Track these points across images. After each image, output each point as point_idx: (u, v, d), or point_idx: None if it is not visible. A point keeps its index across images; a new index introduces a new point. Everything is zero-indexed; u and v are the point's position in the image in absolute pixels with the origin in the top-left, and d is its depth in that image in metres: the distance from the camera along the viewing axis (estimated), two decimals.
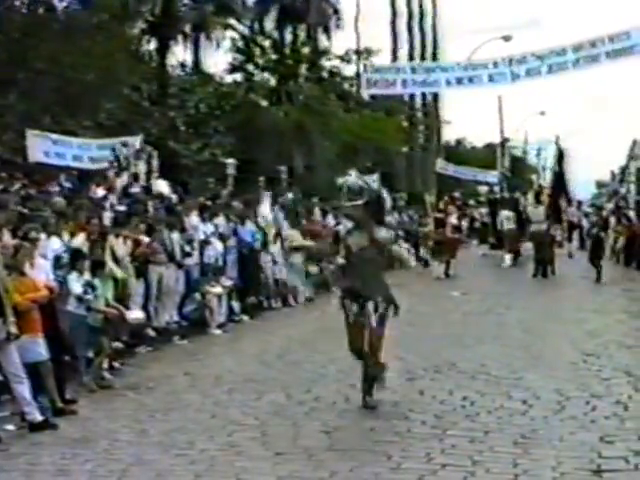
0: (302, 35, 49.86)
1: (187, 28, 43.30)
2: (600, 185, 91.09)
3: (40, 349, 10.78)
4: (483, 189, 51.26)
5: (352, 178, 11.60)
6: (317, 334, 17.34)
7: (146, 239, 17.26)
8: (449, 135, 71.43)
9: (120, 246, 15.97)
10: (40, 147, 21.53)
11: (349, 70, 51.96)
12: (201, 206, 21.75)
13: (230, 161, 33.56)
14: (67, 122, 26.86)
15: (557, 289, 25.61)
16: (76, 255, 13.63)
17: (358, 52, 52.24)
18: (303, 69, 48.15)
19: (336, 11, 51.37)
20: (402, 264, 13.76)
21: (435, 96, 57.41)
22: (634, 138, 71.45)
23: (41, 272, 12.65)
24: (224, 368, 14.05)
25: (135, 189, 22.57)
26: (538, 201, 31.93)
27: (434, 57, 55.51)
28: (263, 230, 22.20)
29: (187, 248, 18.51)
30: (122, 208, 19.00)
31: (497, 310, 20.45)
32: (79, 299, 12.97)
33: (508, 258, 32.83)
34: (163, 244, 17.73)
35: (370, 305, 10.87)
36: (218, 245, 19.74)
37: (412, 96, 54.94)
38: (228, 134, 38.52)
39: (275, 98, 45.58)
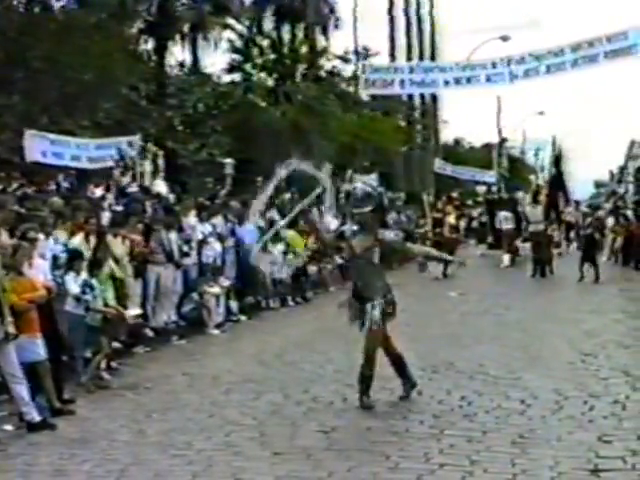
0: (300, 35, 49.84)
1: (185, 28, 43.27)
2: (598, 185, 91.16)
3: (38, 349, 10.77)
4: (481, 189, 51.29)
5: (360, 185, 11.74)
6: (315, 334, 17.36)
7: (140, 238, 17.22)
8: (447, 135, 71.53)
9: (118, 246, 15.96)
10: (38, 147, 21.52)
11: (348, 70, 52.02)
12: (199, 206, 21.74)
13: (228, 161, 33.61)
14: (65, 122, 26.84)
15: (555, 289, 25.61)
16: (73, 255, 13.62)
17: (357, 52, 52.28)
18: (301, 69, 48.14)
19: (334, 11, 51.36)
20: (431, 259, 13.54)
21: (433, 96, 57.44)
22: (632, 138, 71.63)
23: (39, 272, 12.63)
24: (222, 368, 14.04)
25: (132, 189, 22.58)
26: (536, 201, 31.96)
27: (432, 57, 55.52)
28: (262, 230, 22.19)
29: (185, 248, 18.51)
30: (119, 208, 19.00)
31: (495, 310, 20.45)
32: (77, 299, 12.96)
33: (506, 258, 32.85)
34: (161, 244, 17.73)
35: (369, 306, 10.90)
36: (216, 245, 19.74)
37: (411, 96, 54.95)
38: (226, 134, 38.50)
39: (273, 98, 45.56)
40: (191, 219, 20.02)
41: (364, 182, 11.96)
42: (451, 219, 31.19)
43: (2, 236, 13.53)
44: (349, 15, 53.33)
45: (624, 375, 12.48)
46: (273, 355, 15.04)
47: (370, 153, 47.90)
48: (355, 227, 11.18)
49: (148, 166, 25.05)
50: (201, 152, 36.61)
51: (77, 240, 15.07)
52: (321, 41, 50.98)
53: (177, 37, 43.16)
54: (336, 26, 51.21)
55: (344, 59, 51.45)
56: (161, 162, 24.91)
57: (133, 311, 15.07)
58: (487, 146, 70.40)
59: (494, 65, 20.91)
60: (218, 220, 20.98)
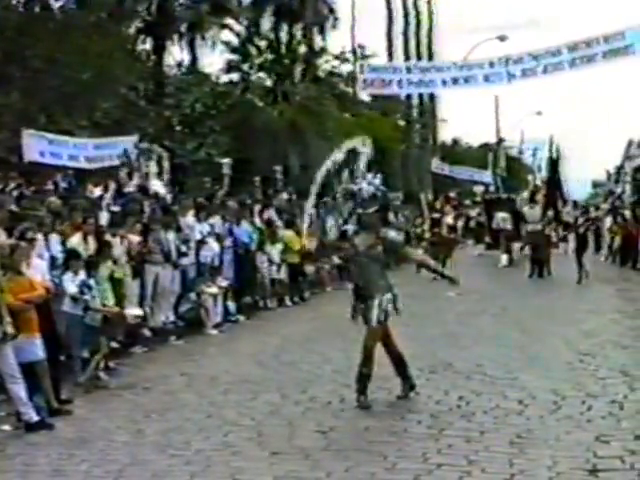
0: (298, 35, 49.80)
1: (183, 28, 43.25)
2: (596, 185, 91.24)
3: (36, 349, 10.76)
4: (479, 189, 51.29)
5: (366, 186, 11.85)
6: (313, 334, 17.36)
7: (137, 238, 17.21)
8: (445, 135, 71.47)
9: (117, 246, 15.96)
10: (36, 147, 21.49)
11: (346, 70, 51.94)
12: (197, 206, 21.74)
13: (226, 161, 33.54)
14: (63, 121, 26.83)
15: (553, 289, 25.61)
16: (70, 255, 13.62)
17: (354, 51, 52.23)
18: (299, 69, 48.11)
19: (333, 11, 51.31)
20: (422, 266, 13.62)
21: (431, 95, 57.37)
22: (629, 138, 71.63)
23: (37, 272, 12.62)
24: (220, 368, 14.04)
25: (130, 188, 22.55)
26: (533, 201, 31.99)
27: (430, 57, 55.47)
28: (259, 230, 22.22)
29: (183, 248, 18.50)
30: (116, 208, 18.99)
31: (493, 310, 20.46)
32: (74, 299, 12.96)
33: (504, 258, 32.87)
34: (159, 244, 17.72)
35: (371, 302, 10.93)
36: (214, 245, 19.73)
37: (409, 95, 54.90)
38: (224, 134, 38.47)
39: (271, 98, 45.54)
40: (189, 219, 20.01)
41: (369, 182, 12.08)
42: (449, 219, 31.22)
43: (0, 236, 13.52)
44: (347, 15, 53.30)
45: (622, 375, 12.49)
46: (271, 355, 15.04)
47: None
48: (357, 226, 11.27)
49: (153, 167, 25.02)
50: (199, 152, 36.59)
51: (75, 240, 15.07)
52: (319, 41, 50.94)
53: (175, 37, 43.13)
54: (334, 26, 51.17)
55: (341, 59, 51.38)
56: (166, 163, 24.91)
57: (134, 311, 15.09)
58: (485, 146, 70.46)
59: (492, 65, 20.90)
60: (216, 220, 20.98)
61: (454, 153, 68.44)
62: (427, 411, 10.67)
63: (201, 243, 19.38)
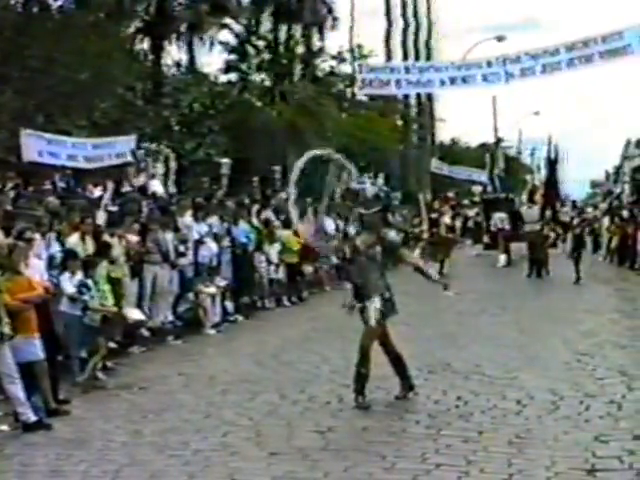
0: (297, 35, 49.79)
1: (182, 27, 43.23)
2: (594, 185, 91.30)
3: (35, 349, 10.75)
4: (477, 189, 51.29)
5: (368, 187, 11.85)
6: (311, 334, 17.36)
7: (135, 238, 17.21)
8: (444, 135, 71.43)
9: (115, 246, 15.95)
10: (34, 146, 21.46)
11: (344, 70, 51.96)
12: (195, 206, 21.73)
13: (224, 161, 33.53)
14: (61, 121, 26.82)
15: (551, 289, 25.61)
16: (67, 255, 13.61)
17: (352, 51, 52.24)
18: (298, 69, 48.11)
19: (331, 11, 51.30)
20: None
21: (429, 95, 57.35)
22: (628, 138, 71.67)
23: (35, 272, 12.61)
24: (218, 368, 14.04)
25: (128, 188, 22.56)
26: (532, 201, 32.01)
27: (428, 57, 55.46)
28: (257, 230, 22.22)
29: (181, 248, 18.49)
30: (114, 208, 18.98)
31: (491, 310, 20.46)
32: (72, 299, 12.95)
33: (502, 258, 32.87)
34: (157, 244, 17.72)
35: (369, 302, 10.93)
36: (212, 245, 19.72)
37: (407, 95, 54.85)
38: (222, 134, 38.49)
39: (269, 98, 45.54)
40: (187, 219, 20.00)
41: (372, 183, 12.13)
42: (447, 219, 31.19)
43: None
44: (345, 14, 53.29)
45: (620, 375, 12.49)
46: (269, 355, 15.04)
47: (366, 153, 47.87)
48: (358, 226, 11.28)
49: (160, 168, 25.13)
50: (197, 152, 36.59)
51: (73, 240, 15.06)
52: (317, 41, 50.93)
53: (174, 37, 43.11)
54: (333, 26, 51.16)
55: (339, 59, 51.38)
56: (173, 164, 25.05)
57: (135, 315, 15.12)
58: (483, 146, 70.46)
59: (490, 65, 20.86)
60: (214, 220, 20.97)
61: (452, 153, 68.40)
62: (425, 411, 10.67)
63: (199, 243, 19.37)
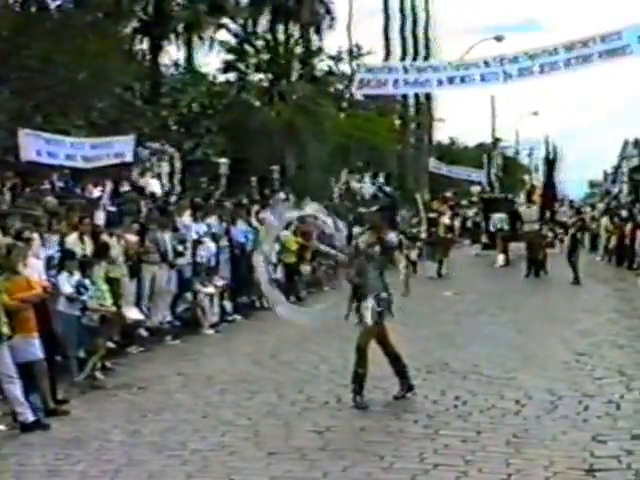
0: (295, 35, 49.76)
1: (180, 27, 43.20)
2: (593, 185, 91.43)
3: (34, 349, 10.74)
4: (476, 189, 51.34)
5: (367, 185, 11.87)
6: (309, 334, 17.32)
7: (134, 238, 17.20)
8: (442, 134, 71.45)
9: (114, 246, 15.96)
10: (33, 146, 21.42)
11: (343, 70, 51.94)
12: (194, 206, 21.72)
13: (223, 160, 33.56)
14: (59, 121, 26.80)
15: (549, 289, 25.63)
16: (65, 255, 13.60)
17: (351, 51, 52.24)
18: (296, 69, 48.08)
19: (330, 11, 51.30)
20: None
21: (428, 95, 57.30)
22: (625, 138, 71.76)
23: (34, 272, 12.61)
24: (216, 368, 14.04)
25: (125, 188, 22.58)
26: (530, 201, 32.02)
27: (427, 57, 55.41)
28: (256, 230, 22.19)
29: (179, 248, 18.49)
30: (112, 209, 18.98)
31: (489, 310, 20.47)
32: (70, 299, 12.94)
33: (501, 258, 32.89)
34: (156, 244, 17.72)
35: (366, 302, 10.92)
36: (210, 245, 19.72)
37: (405, 95, 54.80)
38: (220, 133, 38.48)
39: (268, 98, 45.53)
40: (186, 219, 20.00)
41: (373, 183, 12.15)
42: (446, 219, 31.20)
43: None
44: (343, 14, 53.30)
45: (618, 375, 12.50)
46: (267, 355, 15.04)
47: (364, 153, 47.91)
48: (361, 228, 11.31)
49: (166, 167, 25.14)
50: (195, 151, 36.58)
51: (72, 240, 15.06)
52: (315, 41, 50.90)
53: (172, 36, 43.08)
54: (331, 26, 51.17)
55: (337, 59, 51.36)
56: (178, 164, 25.11)
57: (134, 315, 15.11)
58: (481, 146, 70.49)
59: (487, 64, 20.84)
60: (212, 220, 20.97)
61: (450, 153, 68.42)
62: (424, 411, 10.67)
63: (198, 243, 19.36)
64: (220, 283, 19.12)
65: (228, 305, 19.66)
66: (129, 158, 22.10)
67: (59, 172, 22.79)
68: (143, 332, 16.90)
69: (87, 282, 13.17)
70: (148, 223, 18.27)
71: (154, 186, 24.80)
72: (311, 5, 49.34)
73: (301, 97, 44.84)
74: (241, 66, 45.88)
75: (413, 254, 32.67)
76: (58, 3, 31.37)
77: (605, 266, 32.87)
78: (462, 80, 20.91)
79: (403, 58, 54.76)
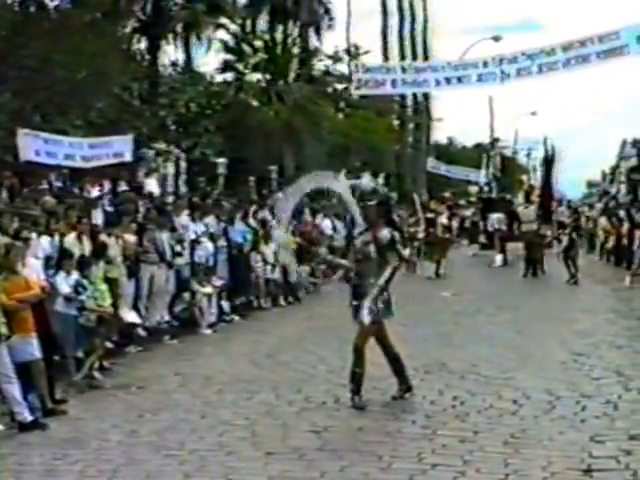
0: (294, 34, 49.74)
1: (178, 27, 43.18)
2: (591, 185, 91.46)
3: (32, 349, 10.74)
4: (473, 189, 51.33)
5: (365, 180, 11.79)
6: (307, 334, 17.36)
7: (132, 238, 17.21)
8: (440, 134, 71.42)
9: (112, 246, 15.96)
10: (31, 146, 21.43)
11: (341, 70, 51.92)
12: (191, 206, 21.73)
13: (221, 160, 33.54)
14: (57, 120, 26.79)
15: (547, 289, 25.64)
16: (63, 255, 13.60)
17: (349, 51, 52.23)
18: (294, 69, 48.08)
19: (328, 11, 51.28)
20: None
21: (426, 95, 57.31)
22: (624, 138, 71.78)
23: (32, 271, 12.61)
24: (214, 368, 14.03)
25: (123, 188, 22.57)
26: (528, 201, 32.02)
27: (425, 58, 55.41)
28: (254, 230, 22.21)
29: (177, 248, 18.50)
30: (110, 209, 18.99)
31: (487, 310, 20.46)
32: (67, 299, 12.94)
33: (499, 258, 32.90)
34: (154, 244, 17.72)
35: (364, 301, 10.93)
36: (208, 245, 19.73)
37: (403, 95, 54.81)
38: (218, 133, 38.46)
39: (266, 98, 45.52)
40: (183, 219, 20.01)
41: (369, 178, 12.06)
42: (443, 219, 31.20)
43: None
44: (342, 14, 53.30)
45: (616, 375, 12.51)
46: (265, 355, 15.04)
47: (362, 153, 47.91)
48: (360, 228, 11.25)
49: (171, 168, 25.15)
50: (194, 151, 36.57)
51: (70, 240, 15.05)
52: (314, 41, 50.90)
53: (170, 36, 43.06)
54: (329, 26, 51.15)
55: (335, 58, 51.35)
56: (183, 164, 25.13)
57: (131, 317, 15.12)
58: (479, 146, 70.51)
59: (485, 65, 20.85)
60: (210, 220, 20.98)
61: (449, 153, 68.43)
62: (421, 411, 10.68)
63: (196, 243, 19.38)
64: (218, 283, 19.13)
65: (226, 305, 19.66)
66: (128, 158, 22.10)
67: (57, 172, 22.78)
68: (141, 332, 16.90)
69: (85, 282, 13.17)
70: (146, 223, 18.28)
71: (152, 186, 24.79)
72: (310, 5, 49.31)
73: (299, 97, 44.82)
74: (239, 66, 45.88)
75: (406, 252, 32.58)
76: (57, 3, 31.35)
77: (603, 266, 32.87)
78: (460, 80, 20.93)
79: (401, 58, 54.75)
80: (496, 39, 52.80)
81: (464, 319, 19.10)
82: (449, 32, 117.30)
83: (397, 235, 11.30)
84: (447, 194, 44.22)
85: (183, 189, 27.93)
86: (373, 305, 10.95)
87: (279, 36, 48.67)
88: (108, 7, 32.15)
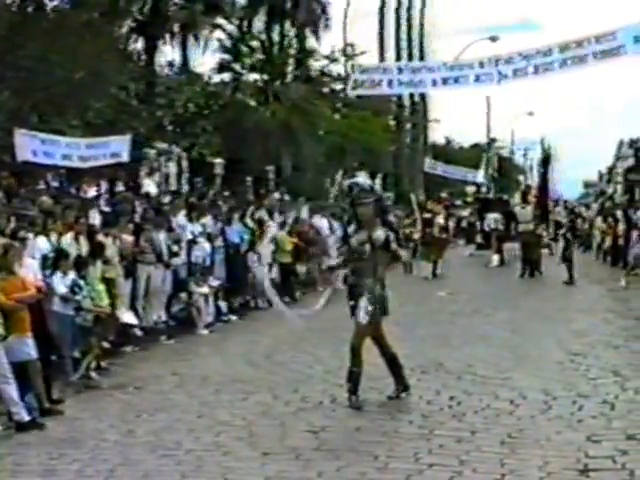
0: (290, 35, 49.73)
1: (175, 27, 43.17)
2: (587, 185, 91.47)
3: (28, 349, 10.74)
4: (471, 189, 51.37)
5: (362, 178, 11.74)
6: (304, 334, 17.32)
7: (130, 238, 17.22)
8: (437, 135, 71.41)
9: (109, 246, 15.96)
10: (28, 146, 21.42)
11: (338, 70, 51.91)
12: (188, 206, 21.74)
13: (218, 161, 33.52)
14: (55, 121, 26.78)
15: (544, 289, 25.65)
16: (59, 255, 13.60)
17: (345, 51, 52.20)
18: (291, 69, 48.08)
19: (326, 11, 51.28)
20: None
21: (423, 95, 57.35)
22: (621, 138, 71.82)
23: (29, 272, 12.61)
24: (211, 368, 14.04)
25: (120, 188, 22.58)
26: (525, 201, 32.06)
27: (421, 57, 55.45)
28: (251, 230, 22.21)
29: (175, 248, 18.51)
30: (107, 209, 18.99)
31: (484, 310, 20.48)
32: (64, 299, 12.95)
33: (495, 258, 32.93)
34: (151, 244, 17.73)
35: (360, 301, 10.92)
36: (205, 245, 19.73)
37: (400, 95, 54.82)
38: (216, 134, 38.45)
39: (263, 98, 45.53)
40: (180, 219, 20.01)
41: (365, 177, 11.98)
42: (440, 219, 31.22)
43: None
44: (339, 13, 53.33)
45: (613, 375, 12.52)
46: (262, 355, 15.04)
47: (359, 153, 47.91)
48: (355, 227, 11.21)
49: (173, 167, 25.12)
50: (191, 152, 36.55)
51: (67, 240, 15.05)
52: (311, 41, 50.88)
53: (167, 36, 43.05)
54: (327, 26, 51.13)
55: (331, 59, 51.32)
56: (185, 164, 25.13)
57: (128, 318, 15.13)
58: (476, 146, 70.53)
59: (482, 65, 20.85)
60: (207, 220, 20.98)
61: (446, 153, 68.43)
62: (418, 411, 10.68)
63: (193, 243, 19.38)
64: (215, 283, 19.14)
65: (223, 305, 19.67)
66: (125, 158, 22.08)
67: (54, 172, 22.78)
68: (138, 332, 16.91)
69: (81, 282, 13.17)
70: (143, 223, 18.28)
71: (149, 186, 24.79)
72: (307, 5, 49.31)
73: (296, 97, 44.81)
74: (236, 66, 45.88)
75: (403, 252, 32.56)
76: (55, 3, 31.34)
77: (599, 266, 32.90)
78: (456, 80, 20.92)
79: (398, 58, 54.78)
80: (493, 39, 52.86)
81: (461, 319, 19.11)
82: (446, 32, 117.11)
83: (392, 236, 11.27)
84: (444, 194, 44.28)
85: (185, 188, 27.91)
86: (370, 305, 10.95)
87: (276, 36, 48.67)
88: (106, 7, 32.14)
